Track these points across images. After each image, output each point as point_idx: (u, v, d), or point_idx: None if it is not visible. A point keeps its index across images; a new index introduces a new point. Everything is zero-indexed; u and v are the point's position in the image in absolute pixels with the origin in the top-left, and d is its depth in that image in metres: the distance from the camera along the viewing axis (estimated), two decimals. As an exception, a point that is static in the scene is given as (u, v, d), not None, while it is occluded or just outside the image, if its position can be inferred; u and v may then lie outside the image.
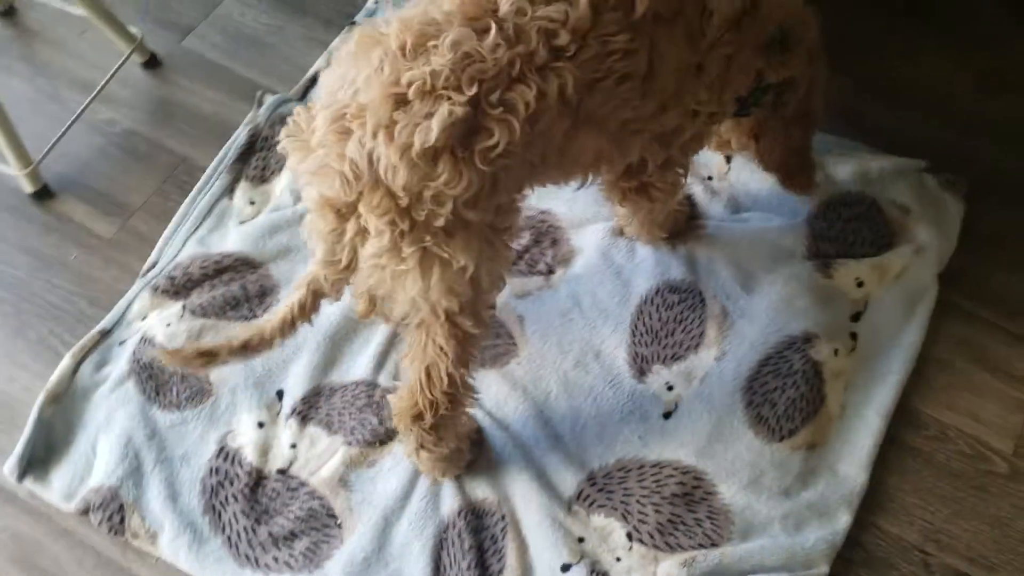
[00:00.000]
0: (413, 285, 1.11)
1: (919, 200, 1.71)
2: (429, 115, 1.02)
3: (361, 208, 1.08)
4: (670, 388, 1.54)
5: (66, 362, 1.57)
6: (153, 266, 1.69)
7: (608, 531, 1.43)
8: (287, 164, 1.25)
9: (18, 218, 1.77)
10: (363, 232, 1.10)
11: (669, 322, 1.59)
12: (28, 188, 1.76)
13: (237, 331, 1.37)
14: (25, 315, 1.67)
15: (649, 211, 1.54)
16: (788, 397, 1.51)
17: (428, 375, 1.28)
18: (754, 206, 1.73)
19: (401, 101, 1.04)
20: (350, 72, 1.09)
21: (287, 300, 1.25)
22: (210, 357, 1.22)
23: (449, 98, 1.03)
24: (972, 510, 1.48)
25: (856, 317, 1.61)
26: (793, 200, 1.71)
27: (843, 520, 1.44)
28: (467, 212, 1.07)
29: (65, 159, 1.82)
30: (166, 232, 1.72)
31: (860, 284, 1.63)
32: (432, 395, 1.29)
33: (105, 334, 1.61)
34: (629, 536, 1.42)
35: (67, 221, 1.77)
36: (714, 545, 1.41)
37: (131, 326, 1.62)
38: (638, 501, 1.45)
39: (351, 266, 1.14)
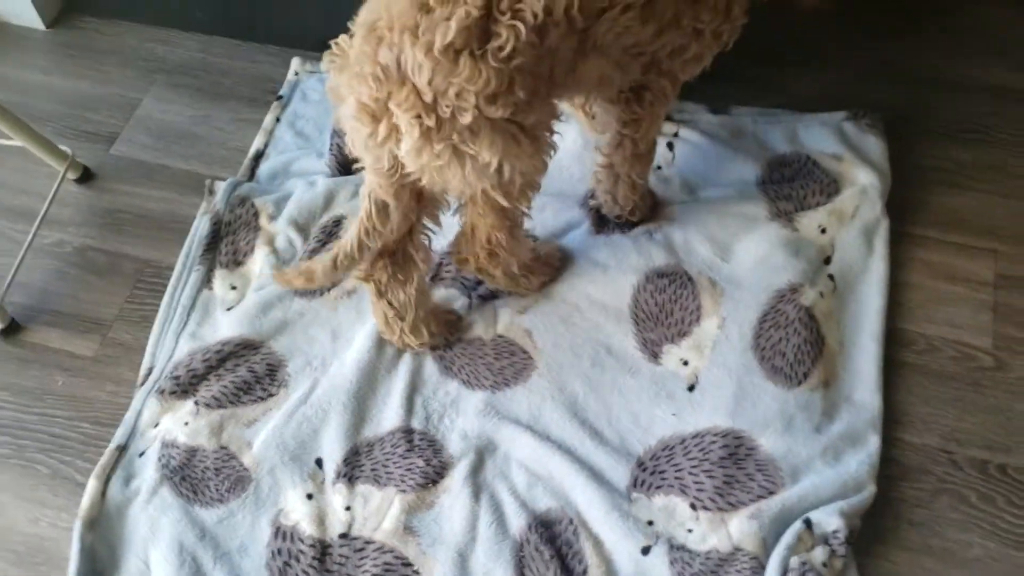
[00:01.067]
0: (454, 177, 1.27)
1: (848, 146, 1.87)
2: (448, 17, 1.16)
3: (391, 106, 1.22)
4: (685, 363, 1.63)
5: (93, 485, 1.52)
6: (150, 371, 1.65)
7: (672, 508, 1.49)
8: (327, 85, 1.34)
9: (-9, 359, 1.70)
10: (396, 131, 1.24)
11: (666, 304, 1.68)
12: (-5, 324, 1.70)
13: (317, 262, 1.47)
14: (29, 453, 1.60)
15: (633, 145, 1.61)
16: (793, 344, 1.62)
17: (472, 231, 1.51)
18: (706, 183, 1.84)
19: (425, 7, 1.18)
20: None
21: (356, 217, 1.42)
22: (309, 276, 1.44)
23: (465, 2, 1.17)
24: (974, 405, 1.62)
25: (828, 260, 1.74)
26: (737, 171, 1.84)
27: (873, 441, 1.55)
28: (488, 109, 1.20)
29: (24, 290, 1.76)
30: (153, 335, 1.69)
31: (823, 231, 1.76)
32: (474, 248, 1.53)
33: (122, 449, 1.57)
34: (692, 507, 1.49)
35: (43, 350, 1.71)
36: (772, 493, 1.49)
37: (146, 435, 1.58)
38: (690, 473, 1.51)
39: (396, 167, 1.30)
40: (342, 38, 1.29)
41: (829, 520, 1.44)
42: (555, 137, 1.39)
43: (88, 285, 1.78)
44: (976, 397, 1.63)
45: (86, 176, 1.91)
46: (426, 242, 1.55)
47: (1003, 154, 1.91)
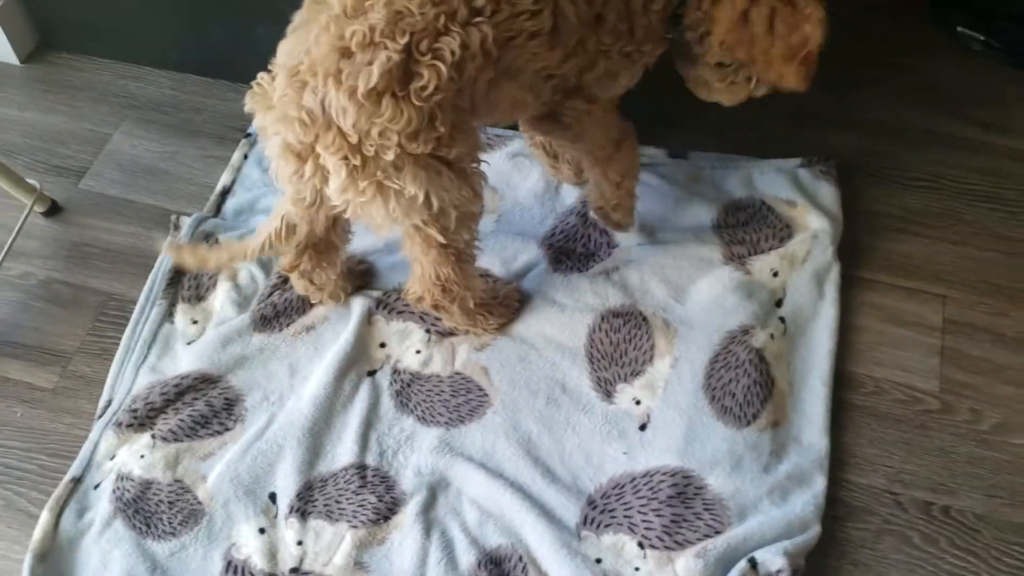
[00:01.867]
0: (377, 212, 1.32)
1: (801, 192, 1.91)
2: (370, 62, 1.22)
3: (319, 148, 1.27)
4: (638, 402, 1.66)
5: (45, 517, 1.52)
6: (109, 404, 1.66)
7: (620, 546, 1.51)
8: (253, 123, 1.42)
9: (-50, 390, 1.71)
10: (322, 171, 1.30)
11: (620, 343, 1.71)
12: (-47, 354, 1.71)
13: (222, 252, 1.51)
14: (-20, 485, 1.61)
15: (574, 152, 1.69)
16: (743, 385, 1.65)
17: (421, 269, 1.56)
18: (663, 226, 1.88)
19: (346, 53, 1.23)
20: (302, 37, 1.28)
21: (264, 227, 1.49)
22: (203, 260, 1.50)
23: (386, 47, 1.22)
24: (920, 447, 1.65)
25: (779, 303, 1.77)
26: (694, 214, 1.89)
27: (819, 482, 1.57)
28: (411, 145, 1.26)
29: (-15, 322, 1.78)
30: (113, 368, 1.71)
31: (775, 274, 1.80)
32: (427, 284, 1.58)
33: (77, 481, 1.58)
34: (640, 545, 1.51)
35: (3, 382, 1.72)
36: (718, 532, 1.51)
37: (101, 467, 1.59)
38: (639, 511, 1.54)
39: (316, 202, 1.37)
40: (263, 76, 1.35)
41: (774, 560, 1.46)
42: (484, 167, 1.46)
43: (51, 317, 1.80)
44: (922, 439, 1.66)
45: (54, 209, 1.94)
46: (346, 228, 1.65)
47: (952, 202, 1.96)
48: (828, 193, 1.92)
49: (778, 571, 1.45)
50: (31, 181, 1.87)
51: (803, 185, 1.93)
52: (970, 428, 1.67)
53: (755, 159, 1.98)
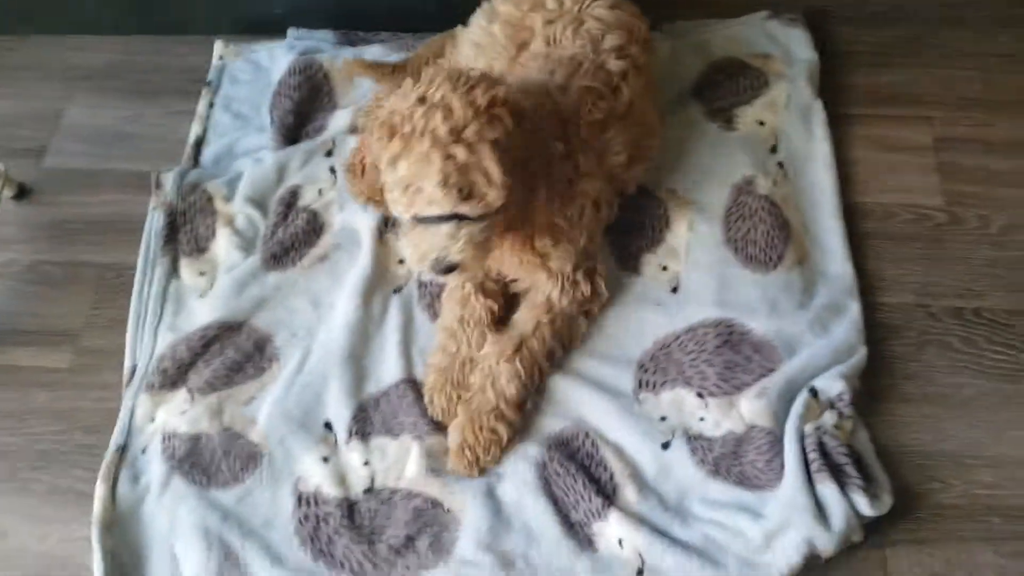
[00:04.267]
0: None
1: (774, 43, 1.93)
2: None
3: None
4: (664, 268, 1.66)
5: (101, 489, 1.47)
6: (134, 370, 1.61)
7: (680, 400, 1.53)
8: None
9: (-38, 388, 1.64)
10: None
11: (635, 218, 1.71)
12: (-41, 353, 1.63)
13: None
14: (22, 473, 1.54)
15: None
16: (762, 232, 1.67)
17: None
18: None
19: None
20: None
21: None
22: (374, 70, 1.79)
23: None
24: (939, 259, 1.70)
25: (774, 149, 1.80)
26: (672, 87, 1.89)
27: (854, 307, 1.61)
28: None
29: (-21, 315, 1.70)
30: (129, 335, 1.65)
31: (762, 123, 1.82)
32: None
33: (123, 449, 1.52)
34: (700, 395, 1.53)
35: (15, 371, 1.65)
36: (772, 371, 1.53)
37: (143, 432, 1.54)
38: (690, 365, 1.55)
39: None
40: None
41: (832, 385, 1.49)
42: None
43: (48, 299, 1.73)
44: (939, 252, 1.71)
45: (22, 192, 1.84)
46: None
47: (918, 28, 2.00)
48: (799, 36, 1.94)
49: (839, 395, 1.48)
50: (-4, 165, 1.77)
51: (775, 36, 1.95)
52: (981, 233, 1.72)
53: (725, 20, 1.98)
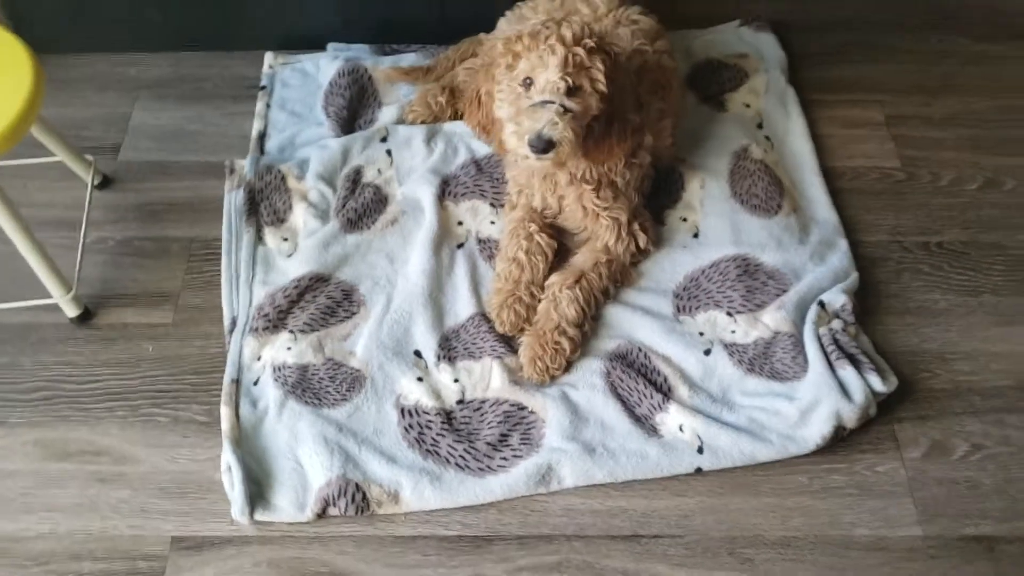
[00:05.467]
0: None
1: (747, 45, 2.31)
2: None
3: None
4: (684, 219, 1.97)
5: (225, 411, 1.66)
6: (234, 321, 1.81)
7: (713, 319, 1.82)
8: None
9: (78, 343, 1.80)
10: None
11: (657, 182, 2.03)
12: (72, 312, 1.80)
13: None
14: (144, 409, 1.72)
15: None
16: (761, 187, 2.00)
17: None
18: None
19: None
20: None
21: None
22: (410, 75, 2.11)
23: None
24: (903, 206, 2.06)
25: (760, 126, 2.15)
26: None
27: (842, 243, 1.95)
28: None
29: (84, 284, 1.87)
30: (224, 291, 1.85)
31: (748, 105, 2.18)
32: None
33: (236, 382, 1.72)
34: (729, 314, 1.82)
35: (123, 327, 1.83)
36: (785, 291, 1.85)
37: (252, 368, 1.74)
38: (718, 291, 1.85)
39: None
40: None
41: (837, 298, 1.81)
42: None
43: (144, 268, 1.92)
44: (902, 201, 2.07)
45: (105, 182, 2.04)
46: None
47: (864, 34, 2.41)
48: (768, 39, 2.32)
49: (842, 306, 1.80)
50: (88, 157, 1.97)
51: (747, 40, 2.32)
52: (934, 186, 2.10)
53: (703, 29, 2.36)
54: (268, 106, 2.20)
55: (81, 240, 1.87)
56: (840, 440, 1.67)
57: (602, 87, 1.61)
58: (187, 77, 2.28)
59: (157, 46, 2.32)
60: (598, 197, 1.81)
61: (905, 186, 2.10)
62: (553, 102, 1.58)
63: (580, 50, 1.59)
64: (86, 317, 1.83)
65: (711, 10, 2.41)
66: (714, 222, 1.96)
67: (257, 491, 1.59)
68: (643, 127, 1.80)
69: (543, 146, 1.58)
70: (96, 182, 2.02)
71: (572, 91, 1.60)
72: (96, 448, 1.67)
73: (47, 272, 1.73)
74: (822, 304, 1.81)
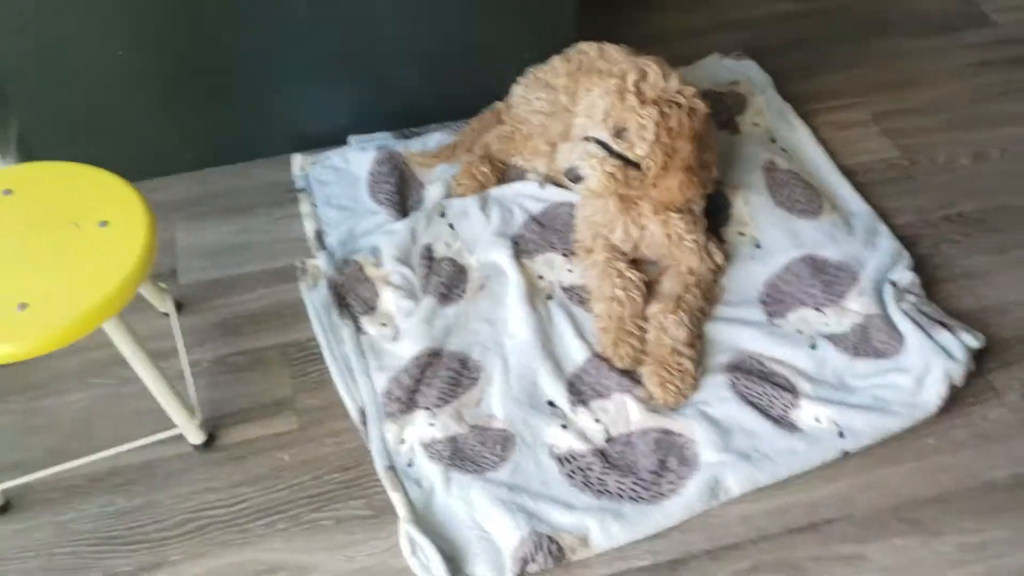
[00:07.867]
0: None
1: (734, 74, 2.51)
2: None
3: None
4: (742, 234, 2.12)
5: (396, 496, 1.66)
6: (363, 410, 1.81)
7: (805, 317, 1.95)
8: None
9: (209, 468, 1.75)
10: None
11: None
12: (197, 439, 1.76)
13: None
14: (304, 517, 1.69)
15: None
16: (800, 192, 2.17)
17: None
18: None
19: None
20: None
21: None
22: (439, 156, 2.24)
23: None
24: (918, 188, 2.28)
25: (773, 140, 2.34)
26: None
27: (883, 229, 2.13)
28: None
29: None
30: (340, 387, 1.85)
31: (756, 124, 2.37)
32: None
33: (391, 468, 1.72)
34: (817, 309, 1.96)
35: (249, 444, 1.79)
36: (857, 278, 2.00)
37: (400, 452, 1.75)
38: (799, 290, 1.99)
39: None
40: None
41: (904, 275, 1.99)
42: None
43: (247, 382, 1.89)
44: (915, 184, 2.29)
45: (178, 307, 2.01)
46: None
47: (815, 49, 2.67)
48: (750, 65, 2.54)
49: (911, 282, 1.98)
50: (161, 285, 1.94)
51: (732, 69, 2.53)
52: (935, 166, 2.34)
53: (692, 64, 2.55)
54: (314, 205, 2.22)
55: (186, 366, 1.83)
56: (950, 401, 1.83)
57: (649, 138, 1.75)
58: (218, 192, 2.28)
59: (178, 168, 2.31)
60: (682, 223, 1.93)
61: (912, 171, 2.32)
62: (594, 140, 1.75)
63: (632, 98, 1.74)
64: (210, 442, 1.79)
65: (687, 49, 2.61)
66: (770, 231, 2.11)
67: (452, 567, 1.59)
68: (714, 164, 1.96)
69: (573, 177, 1.78)
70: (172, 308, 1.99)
71: (620, 133, 1.76)
72: (270, 566, 1.63)
73: (172, 402, 1.69)
74: (893, 283, 1.98)
